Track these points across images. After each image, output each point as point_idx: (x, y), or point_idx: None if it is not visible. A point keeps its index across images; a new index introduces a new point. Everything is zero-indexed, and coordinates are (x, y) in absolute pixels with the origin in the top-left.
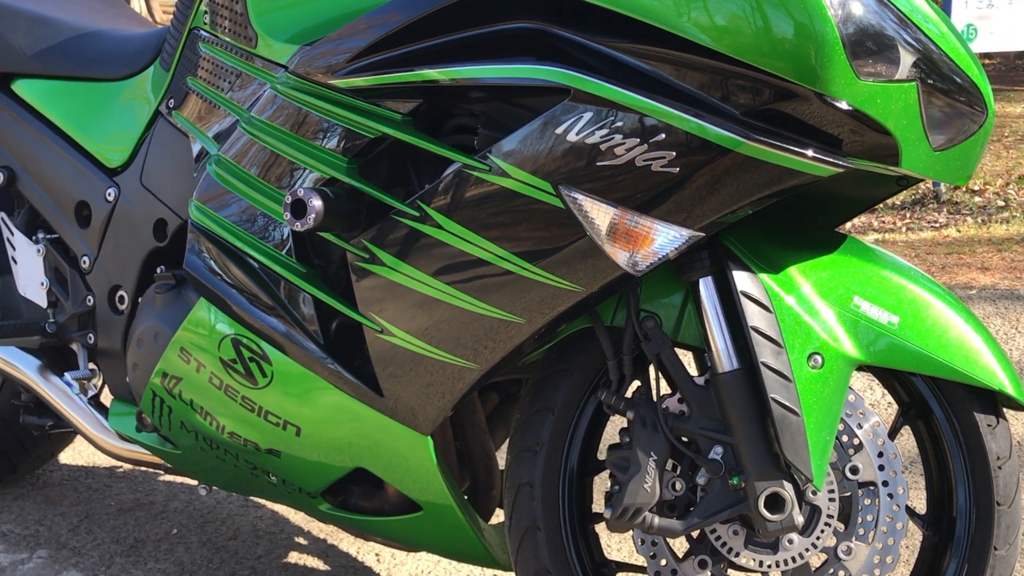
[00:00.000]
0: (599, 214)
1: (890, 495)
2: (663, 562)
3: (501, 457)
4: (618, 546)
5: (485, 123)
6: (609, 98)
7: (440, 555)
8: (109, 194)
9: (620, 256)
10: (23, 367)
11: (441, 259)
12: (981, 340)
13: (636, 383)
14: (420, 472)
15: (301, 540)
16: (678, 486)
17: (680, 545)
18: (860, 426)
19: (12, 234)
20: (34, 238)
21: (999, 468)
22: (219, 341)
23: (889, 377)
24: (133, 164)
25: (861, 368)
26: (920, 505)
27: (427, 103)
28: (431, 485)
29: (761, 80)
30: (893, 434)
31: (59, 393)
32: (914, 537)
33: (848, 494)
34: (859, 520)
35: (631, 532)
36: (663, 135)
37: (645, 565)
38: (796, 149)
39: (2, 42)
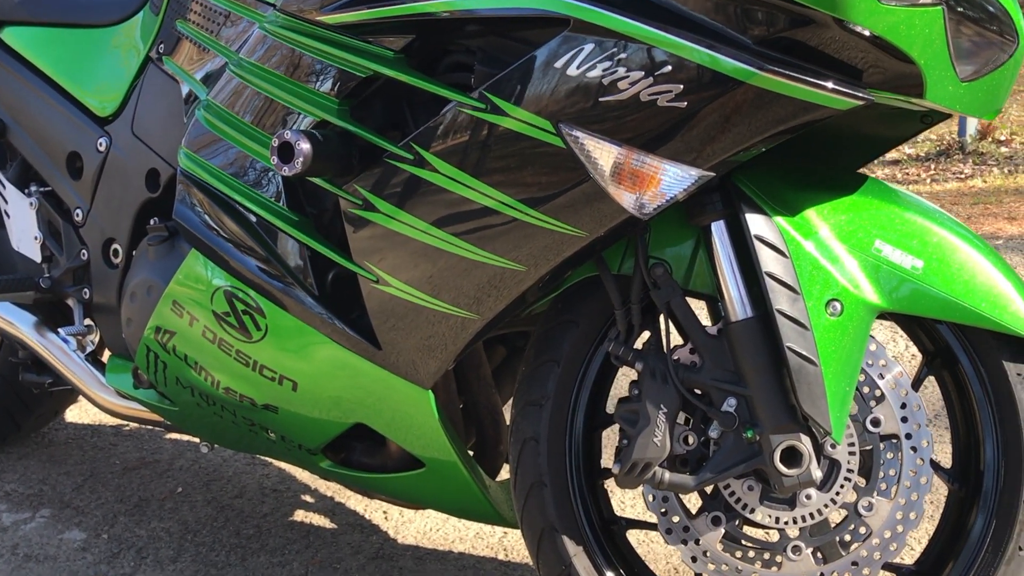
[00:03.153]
0: (602, 154)
1: (913, 448)
2: (675, 519)
3: (508, 412)
4: (631, 502)
5: (482, 59)
6: (611, 28)
7: (444, 512)
8: (100, 144)
9: (625, 198)
10: (19, 323)
11: (438, 205)
12: (1010, 285)
13: (646, 333)
14: (422, 427)
15: (307, 498)
16: (690, 440)
17: (692, 501)
18: (882, 376)
19: (4, 187)
20: (26, 191)
21: None
22: (212, 294)
23: (912, 325)
24: (124, 112)
25: (883, 316)
26: (945, 459)
27: (420, 39)
28: (433, 441)
29: (776, 5)
30: (917, 385)
31: (56, 350)
32: (939, 492)
33: (869, 447)
34: (881, 475)
35: (641, 488)
36: (669, 67)
37: (656, 522)
38: (814, 81)
39: None
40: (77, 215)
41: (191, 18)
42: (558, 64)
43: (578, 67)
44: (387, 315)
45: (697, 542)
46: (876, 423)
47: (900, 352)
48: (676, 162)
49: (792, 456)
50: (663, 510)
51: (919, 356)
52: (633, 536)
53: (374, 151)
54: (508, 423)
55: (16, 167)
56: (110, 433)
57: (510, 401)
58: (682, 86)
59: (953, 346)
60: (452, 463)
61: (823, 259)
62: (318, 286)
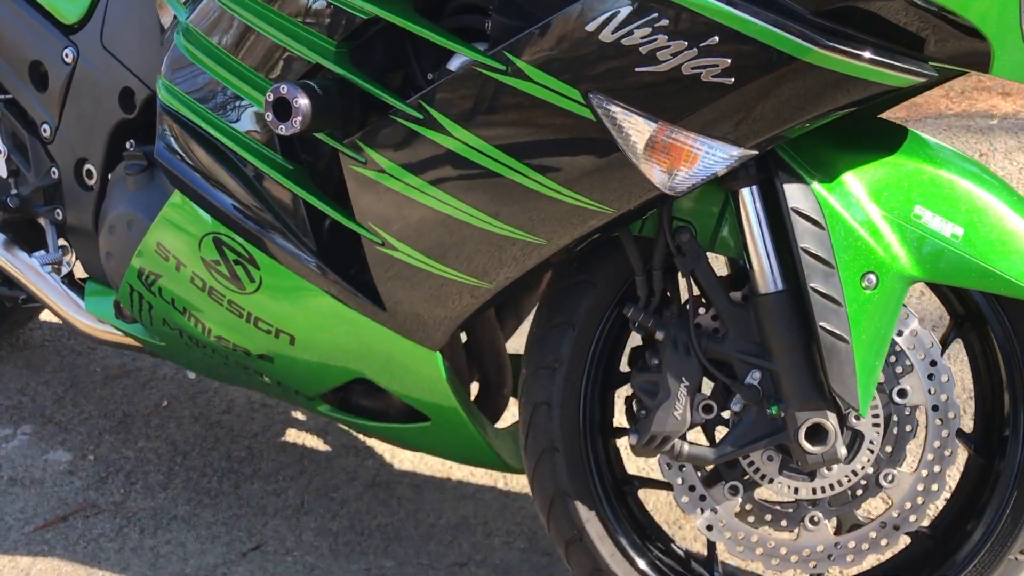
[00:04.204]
0: (636, 128)
1: (940, 420)
2: (691, 487)
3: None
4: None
5: (499, 8)
6: None
7: (447, 459)
8: (67, 55)
9: (657, 175)
10: None
11: (449, 169)
12: None
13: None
14: (428, 385)
15: (298, 415)
16: (710, 412)
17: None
18: (912, 347)
19: None
20: None
21: None
22: (199, 239)
23: (943, 288)
24: (91, 22)
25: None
26: (967, 423)
27: None
28: (440, 398)
29: None
30: (943, 348)
31: (30, 272)
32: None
33: (894, 418)
34: (905, 446)
35: (657, 456)
36: (716, 38)
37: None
38: (875, 58)
39: None
40: (44, 130)
41: None
42: (590, 27)
43: (613, 32)
44: (392, 278)
45: (714, 511)
46: (903, 394)
47: (927, 309)
48: (716, 140)
49: (817, 433)
50: (679, 479)
51: (946, 317)
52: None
53: (377, 100)
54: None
55: None
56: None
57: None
58: (730, 60)
59: (984, 311)
60: (459, 418)
61: (861, 229)
62: (316, 239)
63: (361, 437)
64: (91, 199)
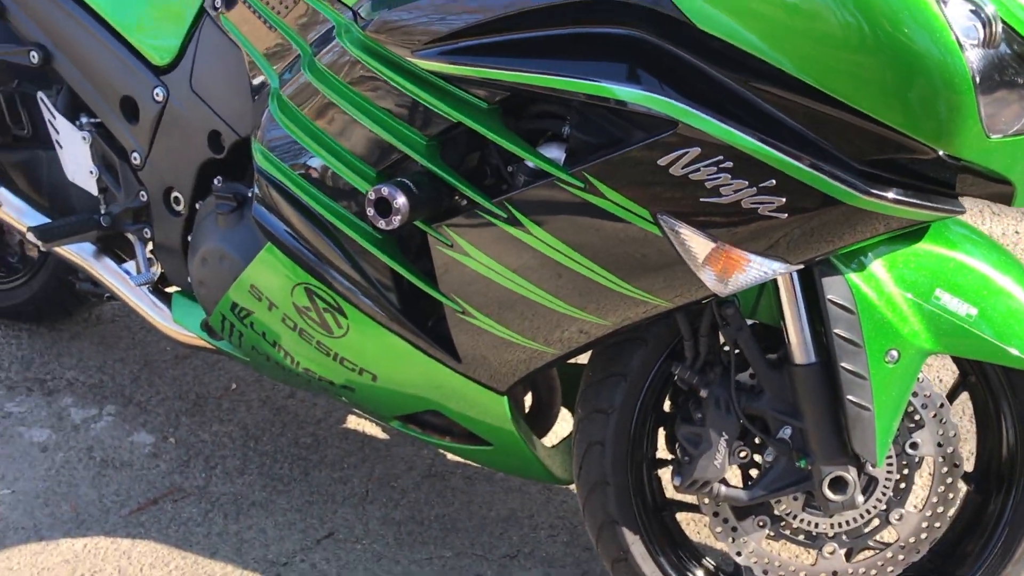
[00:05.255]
0: (698, 245)
1: (946, 469)
2: (724, 519)
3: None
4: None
5: (578, 125)
6: (720, 137)
7: (508, 474)
8: (157, 94)
9: (711, 281)
10: (80, 253)
11: (528, 261)
12: None
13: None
14: (494, 421)
15: None
16: (744, 455)
17: None
18: (925, 406)
19: (54, 117)
20: (78, 123)
21: None
22: (292, 287)
23: None
24: (181, 65)
25: None
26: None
27: (519, 94)
28: (504, 433)
29: (883, 133)
30: (952, 397)
31: (120, 281)
32: None
33: (906, 465)
34: (913, 490)
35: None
36: (773, 181)
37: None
38: (914, 202)
39: None
40: (135, 158)
41: None
42: (662, 162)
43: (683, 168)
44: (468, 338)
45: (744, 540)
46: (914, 446)
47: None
48: (767, 258)
49: (839, 484)
50: (715, 511)
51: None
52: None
53: (469, 198)
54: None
55: (64, 96)
56: None
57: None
58: (784, 199)
59: (988, 372)
60: (518, 446)
61: (887, 311)
62: (398, 297)
63: None
64: (179, 223)
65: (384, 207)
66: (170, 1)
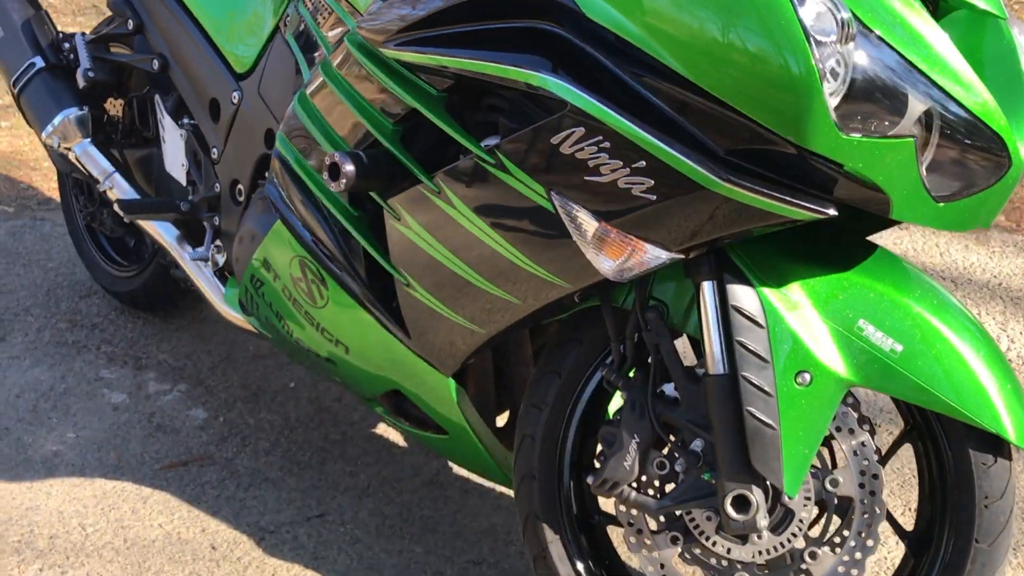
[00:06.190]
0: (585, 223)
1: (865, 513)
2: (639, 531)
3: None
4: None
5: (509, 113)
6: (600, 118)
7: (465, 469)
8: (234, 97)
9: (602, 264)
10: (165, 235)
11: (452, 234)
12: (992, 379)
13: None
14: (443, 406)
15: None
16: (663, 465)
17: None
18: (848, 444)
19: (163, 116)
20: (179, 123)
21: (985, 507)
22: (290, 260)
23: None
24: (255, 73)
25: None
26: (911, 519)
27: (461, 83)
28: (452, 418)
29: (744, 124)
30: (893, 450)
31: (191, 262)
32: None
33: (824, 504)
34: (831, 530)
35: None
36: (643, 162)
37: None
38: (772, 194)
39: None
40: (214, 153)
41: (307, 2)
42: (555, 140)
43: (571, 146)
44: (413, 313)
45: (656, 556)
46: (835, 483)
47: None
48: (648, 242)
49: (742, 503)
50: (630, 521)
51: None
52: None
53: (415, 176)
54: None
55: (173, 99)
56: None
57: None
58: (653, 181)
59: (932, 422)
60: (469, 437)
61: (801, 332)
62: (368, 273)
63: None
64: (239, 212)
65: (335, 171)
66: (256, 19)
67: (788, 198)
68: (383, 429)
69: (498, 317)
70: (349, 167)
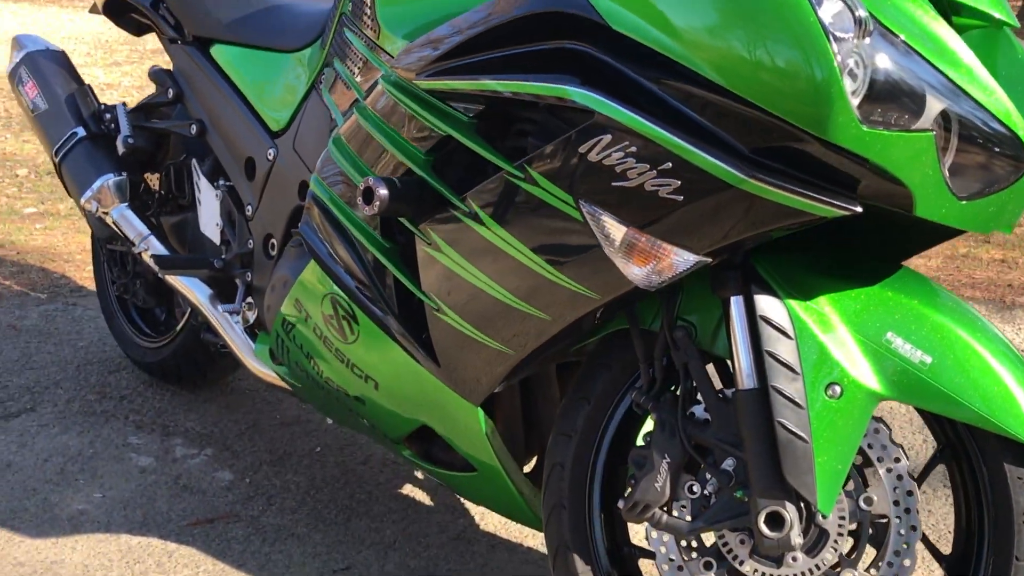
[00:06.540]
0: (613, 230)
1: (900, 532)
2: (671, 557)
3: None
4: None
5: (536, 132)
6: (625, 123)
7: (496, 513)
8: (269, 154)
9: (631, 271)
10: (198, 294)
11: (482, 253)
12: (1021, 388)
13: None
14: (471, 438)
15: (419, 475)
16: (695, 489)
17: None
18: (880, 460)
19: (199, 178)
20: (215, 184)
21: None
22: (322, 297)
23: (928, 415)
24: (290, 129)
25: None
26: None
27: (491, 108)
28: (481, 451)
29: (768, 121)
30: (927, 471)
31: (222, 319)
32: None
33: (859, 523)
34: (865, 550)
35: (645, 524)
36: (669, 164)
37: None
38: (799, 190)
39: (207, 12)
40: (248, 210)
41: (342, 58)
42: (582, 149)
43: (598, 153)
44: (443, 338)
45: None
46: (869, 502)
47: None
48: (675, 246)
49: (776, 520)
50: (662, 547)
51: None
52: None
53: (446, 199)
54: None
55: (210, 162)
56: (279, 391)
57: None
58: (680, 182)
59: (965, 440)
60: (498, 472)
61: (830, 343)
62: (400, 304)
63: (464, 501)
64: (271, 266)
65: (368, 195)
66: (291, 78)
67: (814, 194)
68: (409, 489)
69: (527, 337)
70: (383, 191)
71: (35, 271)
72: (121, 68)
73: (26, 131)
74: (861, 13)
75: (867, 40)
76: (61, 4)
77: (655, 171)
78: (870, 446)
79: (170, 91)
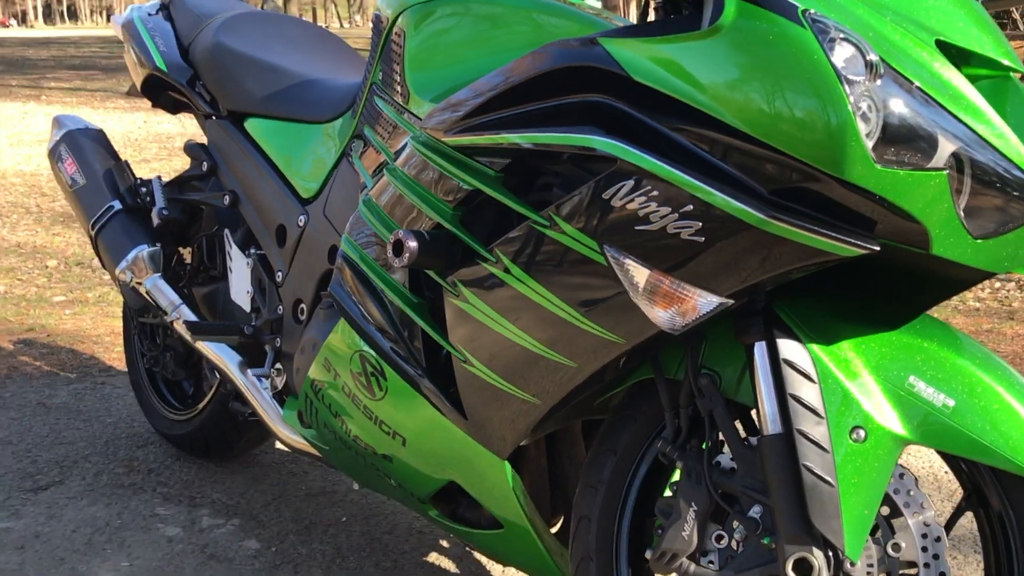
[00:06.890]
0: (637, 274)
1: None
2: None
3: None
4: None
5: (561, 183)
6: (647, 169)
7: (523, 571)
8: (300, 220)
9: (656, 314)
10: (227, 361)
11: (509, 301)
12: None
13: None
14: (499, 492)
15: (444, 543)
16: (722, 538)
17: None
18: (907, 505)
19: (231, 247)
20: (247, 252)
21: None
22: (351, 356)
23: (954, 460)
24: (320, 196)
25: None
26: None
27: (517, 162)
28: (508, 506)
29: (785, 162)
30: (955, 518)
31: (251, 386)
32: None
33: (887, 572)
34: None
35: (673, 574)
36: (690, 206)
37: None
38: (818, 230)
39: (241, 88)
40: (278, 276)
41: (373, 125)
42: (606, 195)
43: (620, 199)
44: (471, 390)
45: None
46: (896, 548)
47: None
48: (698, 288)
49: (803, 567)
50: None
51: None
52: None
53: (473, 251)
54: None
55: (242, 232)
56: (306, 462)
57: None
58: (701, 223)
59: (986, 486)
60: (525, 529)
61: (853, 388)
62: (427, 358)
63: (489, 567)
64: (300, 331)
65: (398, 248)
66: (322, 148)
67: (833, 233)
68: (435, 557)
69: (554, 386)
70: (412, 243)
71: (64, 352)
72: (150, 165)
73: (56, 224)
74: (872, 57)
75: (878, 83)
76: (93, 105)
77: (676, 214)
78: (896, 491)
79: (204, 164)
